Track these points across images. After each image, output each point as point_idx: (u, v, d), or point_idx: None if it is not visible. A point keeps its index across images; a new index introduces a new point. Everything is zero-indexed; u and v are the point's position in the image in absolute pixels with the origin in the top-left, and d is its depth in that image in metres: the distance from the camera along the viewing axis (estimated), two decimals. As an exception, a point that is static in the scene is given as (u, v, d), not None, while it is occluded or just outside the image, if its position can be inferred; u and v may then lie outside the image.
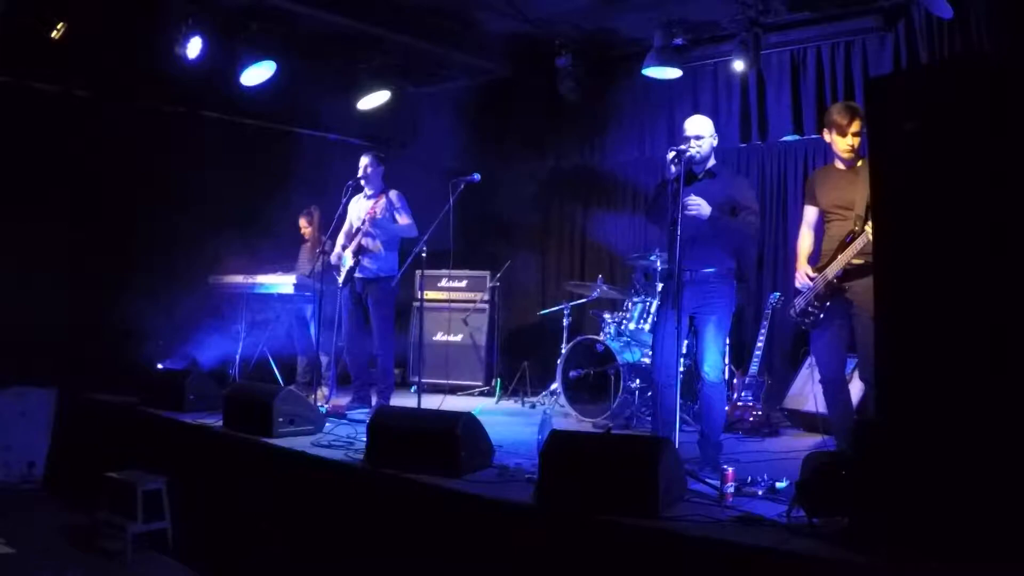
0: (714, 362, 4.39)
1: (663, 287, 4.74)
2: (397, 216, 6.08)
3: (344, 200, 5.96)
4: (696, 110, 7.27)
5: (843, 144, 4.20)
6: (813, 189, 4.42)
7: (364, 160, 6.17)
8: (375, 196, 6.21)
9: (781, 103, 6.78)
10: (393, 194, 6.20)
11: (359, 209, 6.29)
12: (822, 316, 4.25)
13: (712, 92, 7.22)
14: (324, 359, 7.15)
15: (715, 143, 4.51)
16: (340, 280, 6.26)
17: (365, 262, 6.09)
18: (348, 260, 6.16)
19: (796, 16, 6.40)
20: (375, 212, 6.02)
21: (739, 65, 6.33)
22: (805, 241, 4.47)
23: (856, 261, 4.04)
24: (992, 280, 2.55)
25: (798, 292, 4.41)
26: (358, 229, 6.14)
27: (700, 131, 4.43)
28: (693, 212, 4.23)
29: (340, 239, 6.36)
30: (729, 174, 4.62)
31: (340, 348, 7.25)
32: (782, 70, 6.75)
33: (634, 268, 6.80)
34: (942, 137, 2.68)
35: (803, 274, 4.34)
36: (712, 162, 4.49)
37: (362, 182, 6.18)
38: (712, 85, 7.21)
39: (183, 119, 7.23)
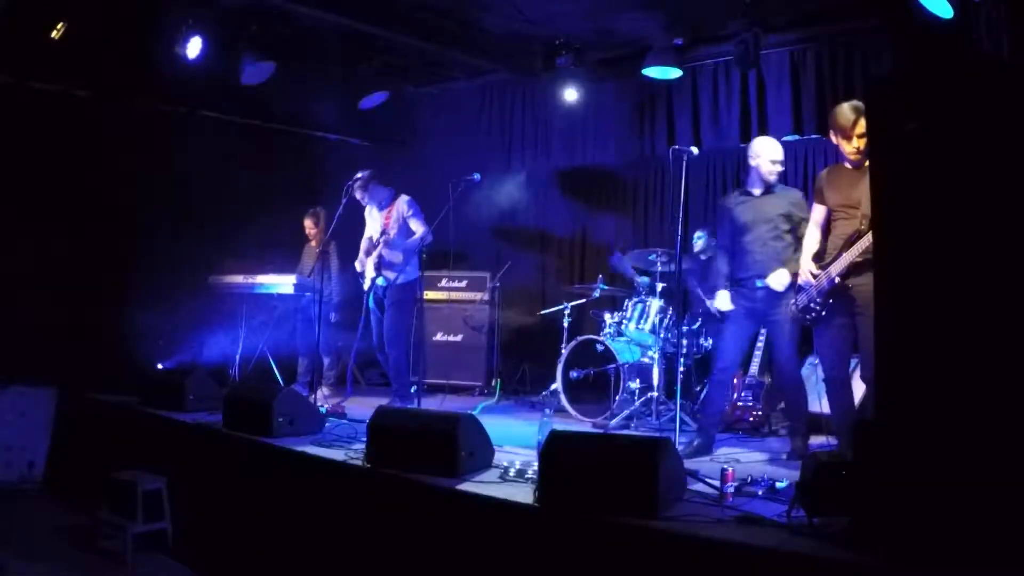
0: (796, 360, 4.82)
1: (732, 292, 4.89)
2: (411, 223, 6.10)
3: (344, 200, 5.97)
4: (696, 110, 7.28)
5: (849, 148, 4.19)
6: (822, 188, 4.41)
7: (356, 185, 6.15)
8: (387, 206, 6.26)
9: (781, 103, 6.77)
10: (403, 203, 6.24)
11: (373, 219, 6.37)
12: (824, 313, 4.24)
13: (712, 92, 7.21)
14: (326, 360, 7.16)
15: None
16: (365, 286, 6.36)
17: (387, 272, 6.20)
18: (370, 271, 6.24)
19: (796, 16, 6.40)
20: (389, 227, 6.13)
21: (739, 65, 6.33)
22: (811, 239, 4.47)
23: (860, 259, 4.02)
24: (992, 280, 2.55)
25: (800, 289, 4.41)
26: (377, 242, 6.23)
27: (782, 156, 4.85)
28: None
29: (363, 245, 6.43)
30: (783, 188, 4.95)
31: (341, 348, 7.28)
32: (782, 70, 6.74)
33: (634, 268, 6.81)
34: (942, 137, 2.68)
35: (806, 271, 4.34)
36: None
37: (367, 202, 6.30)
38: (712, 85, 7.20)
39: (183, 119, 7.23)
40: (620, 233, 7.89)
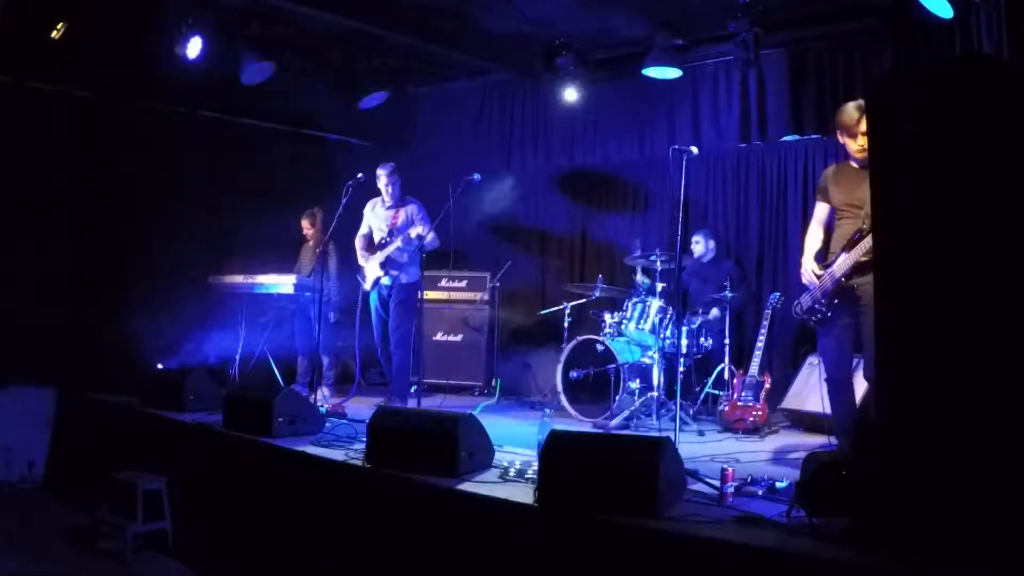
0: None
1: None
2: (420, 227, 6.13)
3: (344, 200, 5.97)
4: (696, 110, 7.30)
5: (854, 145, 4.16)
6: (827, 186, 4.37)
7: (382, 172, 6.22)
8: (395, 207, 6.28)
9: (781, 103, 6.78)
10: (412, 207, 6.30)
11: (377, 218, 6.36)
12: (829, 314, 4.22)
13: (712, 92, 7.22)
14: (325, 360, 7.16)
15: None
16: (367, 285, 6.38)
17: (393, 272, 6.24)
18: (375, 270, 6.25)
19: (796, 16, 6.40)
20: (397, 228, 6.18)
21: (739, 65, 6.34)
22: (813, 237, 4.42)
23: (865, 259, 3.99)
24: (992, 280, 2.55)
25: (803, 289, 4.38)
26: (385, 242, 6.25)
27: None
28: None
29: (359, 243, 6.42)
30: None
31: (341, 348, 7.28)
32: (782, 70, 6.75)
33: (634, 268, 6.80)
34: (942, 137, 2.68)
35: (810, 272, 4.30)
36: None
37: (386, 193, 6.32)
38: (712, 85, 7.21)
39: (183, 119, 7.23)
40: (620, 233, 7.89)
